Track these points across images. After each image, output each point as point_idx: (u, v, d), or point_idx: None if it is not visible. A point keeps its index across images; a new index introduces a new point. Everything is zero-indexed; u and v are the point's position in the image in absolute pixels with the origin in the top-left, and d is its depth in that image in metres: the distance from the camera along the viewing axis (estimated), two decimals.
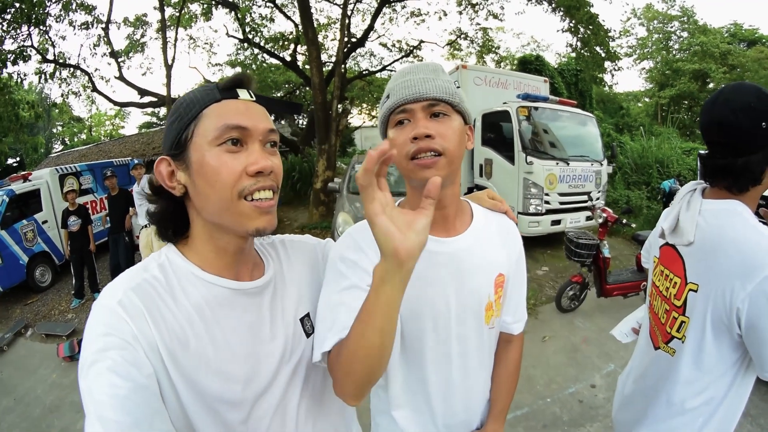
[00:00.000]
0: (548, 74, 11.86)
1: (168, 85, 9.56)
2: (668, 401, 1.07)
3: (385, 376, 0.95)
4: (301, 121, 19.19)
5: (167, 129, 0.70)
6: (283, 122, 18.65)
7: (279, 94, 16.38)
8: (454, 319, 0.89)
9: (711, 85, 20.04)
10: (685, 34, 21.64)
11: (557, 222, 5.64)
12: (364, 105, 19.95)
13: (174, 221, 0.73)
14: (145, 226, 5.19)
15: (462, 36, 13.43)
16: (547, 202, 5.53)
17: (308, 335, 0.80)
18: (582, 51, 10.99)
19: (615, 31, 14.48)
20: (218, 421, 0.67)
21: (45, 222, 6.50)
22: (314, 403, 0.81)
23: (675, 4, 21.46)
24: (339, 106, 8.12)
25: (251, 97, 0.71)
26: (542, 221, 5.53)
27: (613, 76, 15.95)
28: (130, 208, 5.51)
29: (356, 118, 20.13)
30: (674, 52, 21.70)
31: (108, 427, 0.52)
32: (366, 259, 0.81)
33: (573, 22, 10.76)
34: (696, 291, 0.99)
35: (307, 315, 0.81)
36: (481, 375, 0.99)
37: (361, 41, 12.02)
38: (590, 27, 10.71)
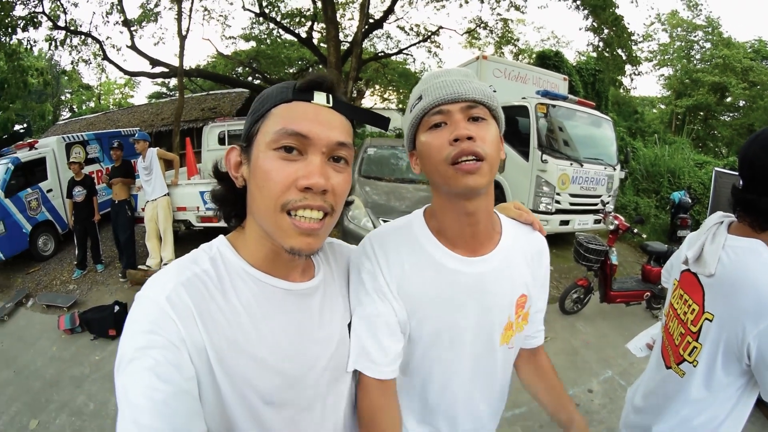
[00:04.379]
0: (566, 71, 11.61)
1: (181, 56, 9.49)
2: (676, 419, 1.12)
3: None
4: None
5: (246, 118, 0.67)
6: None
7: (292, 71, 16.25)
8: (470, 340, 0.84)
9: (729, 99, 19.76)
10: (708, 45, 21.23)
11: (566, 222, 5.59)
12: (377, 86, 19.80)
13: (234, 206, 0.71)
14: (153, 200, 5.16)
15: (481, 25, 13.22)
16: (557, 202, 5.48)
17: None
18: (604, 52, 10.80)
19: (638, 35, 14.26)
20: (260, 425, 0.64)
21: (50, 191, 6.44)
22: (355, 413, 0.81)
23: (701, 13, 21.02)
24: (353, 87, 7.99)
25: (328, 102, 0.64)
26: (551, 220, 5.48)
27: (632, 80, 15.63)
28: (135, 184, 5.43)
29: (368, 99, 19.93)
30: (695, 61, 21.33)
31: None
32: (379, 271, 0.82)
33: (597, 21, 10.57)
34: (711, 321, 1.04)
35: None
36: (494, 394, 0.95)
37: (379, 23, 11.85)
38: (614, 28, 10.53)
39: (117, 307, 3.95)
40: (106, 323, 3.84)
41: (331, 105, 0.64)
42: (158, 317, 0.55)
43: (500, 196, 5.87)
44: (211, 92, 14.95)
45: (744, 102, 19.74)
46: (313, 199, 0.60)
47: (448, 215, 0.81)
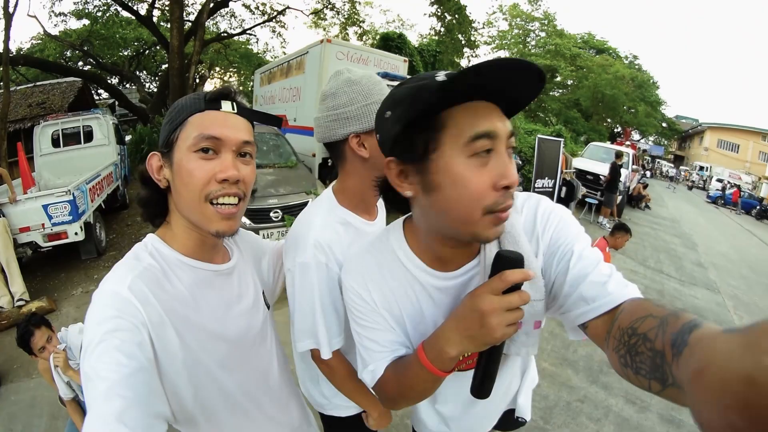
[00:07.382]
0: (408, 53, 12.46)
1: (6, 39, 7.39)
2: None
3: None
4: (150, 86, 17.30)
5: (163, 127, 0.78)
6: (129, 86, 16.74)
7: (128, 53, 14.67)
8: None
9: (558, 79, 23.41)
10: (543, 34, 24.87)
11: None
12: (217, 68, 18.97)
13: (157, 207, 0.81)
14: None
15: (329, 6, 13.53)
16: None
17: (268, 307, 0.99)
18: (444, 37, 11.88)
19: (479, 22, 15.79)
20: (218, 386, 0.79)
21: None
22: (285, 368, 1.01)
23: (540, 8, 24.45)
24: (195, 72, 7.61)
25: (233, 109, 0.77)
26: None
27: (470, 61, 17.48)
28: None
29: (208, 84, 18.54)
30: (530, 47, 24.78)
31: (114, 402, 0.55)
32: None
33: (441, 9, 11.58)
34: None
35: (263, 292, 0.98)
36: None
37: (225, 1, 11.38)
38: (457, 16, 11.65)
39: None
40: None
41: (235, 111, 0.77)
42: (122, 305, 0.65)
43: None
44: (38, 83, 12.50)
45: (571, 81, 23.54)
46: (230, 187, 0.74)
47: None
